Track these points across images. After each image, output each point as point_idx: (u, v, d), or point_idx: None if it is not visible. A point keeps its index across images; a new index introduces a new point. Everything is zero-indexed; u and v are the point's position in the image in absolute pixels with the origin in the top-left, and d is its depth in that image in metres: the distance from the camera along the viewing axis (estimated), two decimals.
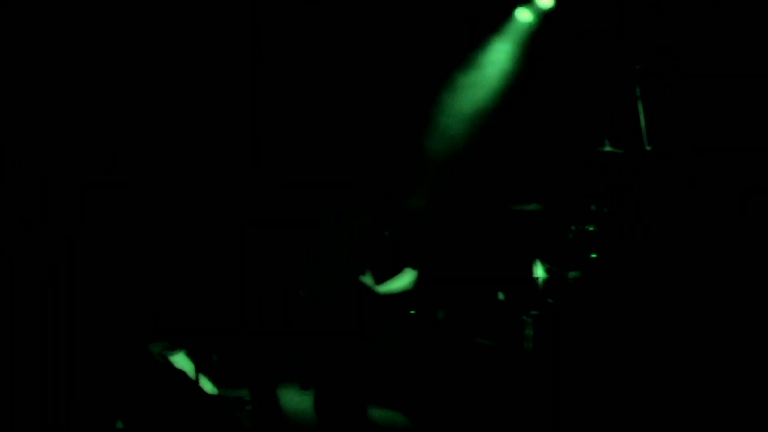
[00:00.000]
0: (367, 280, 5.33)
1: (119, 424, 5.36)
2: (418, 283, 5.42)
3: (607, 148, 6.49)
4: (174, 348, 6.23)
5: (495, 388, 6.17)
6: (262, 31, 7.40)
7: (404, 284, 5.34)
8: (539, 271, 6.51)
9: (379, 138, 7.54)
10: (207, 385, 6.17)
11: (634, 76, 6.58)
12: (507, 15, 7.50)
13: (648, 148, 6.33)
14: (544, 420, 5.90)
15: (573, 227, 6.51)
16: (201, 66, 7.41)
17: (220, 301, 6.70)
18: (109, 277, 6.94)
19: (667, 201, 6.27)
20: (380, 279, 5.34)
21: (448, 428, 6.13)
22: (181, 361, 6.12)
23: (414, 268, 5.31)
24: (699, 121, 6.70)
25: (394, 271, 5.35)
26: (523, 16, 7.41)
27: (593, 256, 6.40)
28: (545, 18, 7.41)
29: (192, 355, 6.16)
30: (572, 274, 6.35)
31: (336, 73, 7.66)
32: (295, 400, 6.44)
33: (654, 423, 5.57)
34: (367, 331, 5.31)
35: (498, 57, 7.68)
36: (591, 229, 6.36)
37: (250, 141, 7.38)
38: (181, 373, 5.90)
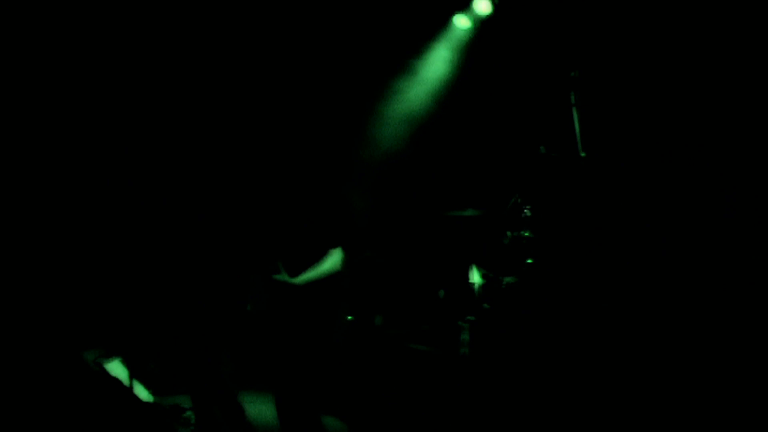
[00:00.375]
0: (282, 276, 5.10)
1: None
2: (346, 261, 5.13)
3: (543, 155, 6.56)
4: (109, 355, 6.17)
5: (432, 393, 6.21)
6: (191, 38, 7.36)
7: (328, 267, 5.07)
8: (475, 277, 6.56)
9: (314, 143, 7.52)
10: (142, 393, 6.12)
11: (570, 83, 6.64)
12: (445, 21, 7.54)
13: (583, 154, 6.40)
14: (480, 423, 5.95)
15: (509, 233, 6.57)
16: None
17: (157, 307, 6.62)
18: (41, 283, 6.84)
19: (601, 207, 6.35)
20: (298, 269, 5.07)
21: None
22: (116, 368, 6.06)
23: (336, 246, 5.03)
24: (633, 127, 6.81)
25: (314, 257, 5.08)
26: (461, 22, 7.46)
27: (529, 261, 6.47)
28: (483, 25, 7.46)
29: (127, 363, 6.09)
30: (507, 280, 6.40)
31: (272, 79, 7.63)
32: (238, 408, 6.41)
33: (588, 423, 5.65)
34: (312, 323, 5.14)
35: (435, 62, 7.72)
36: (526, 234, 6.42)
37: (190, 150, 7.33)
38: (116, 381, 5.84)
